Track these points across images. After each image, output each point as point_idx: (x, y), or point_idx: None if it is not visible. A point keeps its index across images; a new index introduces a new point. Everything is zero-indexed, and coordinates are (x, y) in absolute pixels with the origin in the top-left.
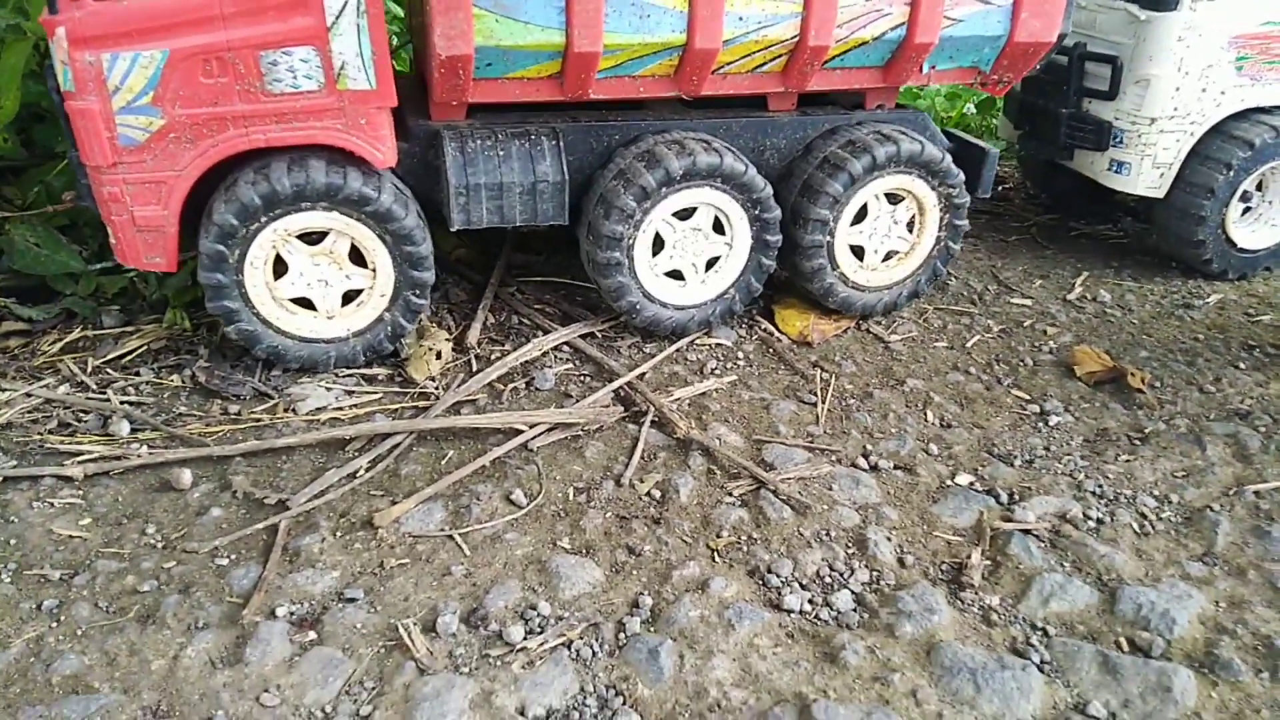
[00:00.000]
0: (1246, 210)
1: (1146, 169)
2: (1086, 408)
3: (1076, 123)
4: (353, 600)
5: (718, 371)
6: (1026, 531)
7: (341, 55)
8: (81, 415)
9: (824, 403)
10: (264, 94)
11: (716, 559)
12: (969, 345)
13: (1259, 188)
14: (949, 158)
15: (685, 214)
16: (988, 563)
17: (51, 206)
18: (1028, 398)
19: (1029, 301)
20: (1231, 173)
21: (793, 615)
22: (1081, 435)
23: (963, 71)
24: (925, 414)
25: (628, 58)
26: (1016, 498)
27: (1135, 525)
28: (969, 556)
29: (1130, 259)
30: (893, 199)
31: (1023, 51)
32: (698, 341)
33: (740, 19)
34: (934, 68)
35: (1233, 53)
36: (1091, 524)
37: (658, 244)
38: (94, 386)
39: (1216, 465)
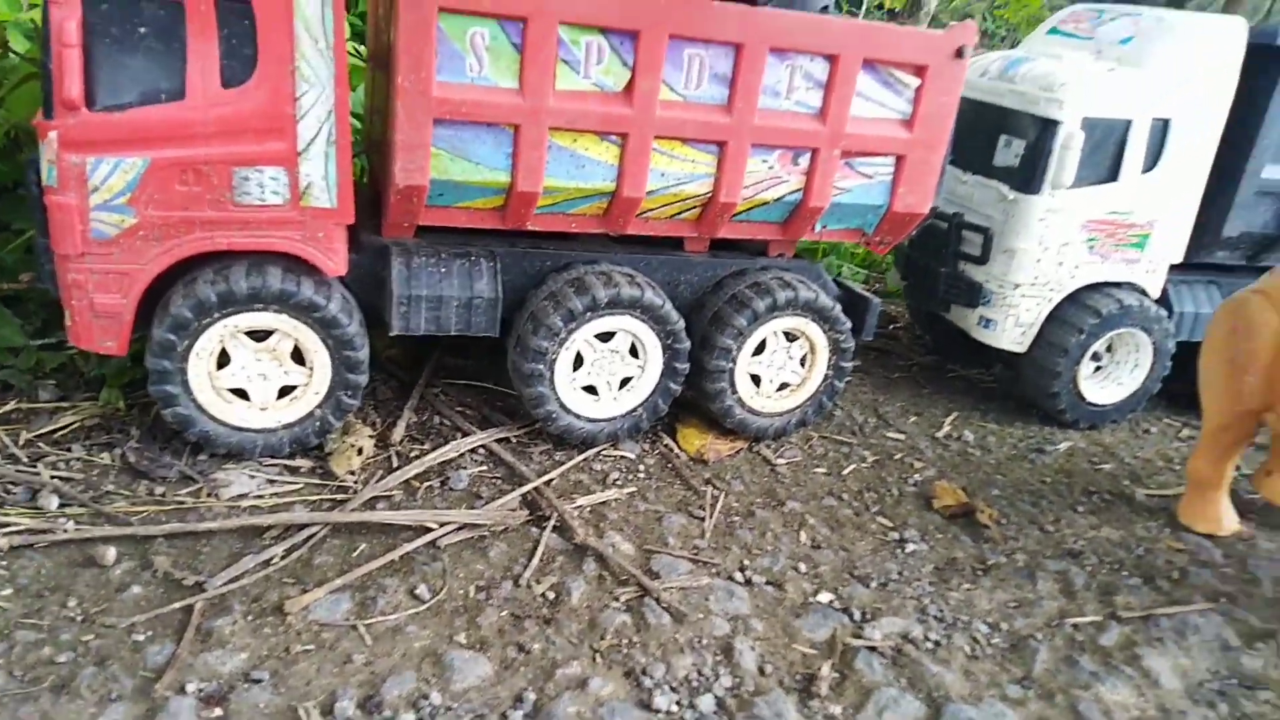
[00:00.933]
0: (1098, 369)
1: (1010, 327)
2: (940, 538)
3: (953, 281)
4: (258, 681)
5: (619, 482)
6: (872, 649)
7: (309, 176)
8: (11, 487)
9: (711, 518)
10: (232, 204)
11: (598, 659)
12: (845, 473)
13: (1109, 349)
14: (839, 306)
15: (606, 336)
16: (836, 675)
17: (6, 284)
18: (890, 525)
19: (902, 436)
20: (1082, 335)
21: (660, 715)
22: (933, 563)
23: (849, 232)
24: (799, 534)
25: (564, 198)
26: (868, 617)
27: (967, 648)
28: (820, 669)
29: (996, 403)
30: (790, 336)
31: (900, 219)
32: (605, 452)
33: (663, 174)
34: (825, 226)
35: (1085, 234)
36: (930, 645)
37: (578, 361)
38: (25, 460)
39: (1045, 598)
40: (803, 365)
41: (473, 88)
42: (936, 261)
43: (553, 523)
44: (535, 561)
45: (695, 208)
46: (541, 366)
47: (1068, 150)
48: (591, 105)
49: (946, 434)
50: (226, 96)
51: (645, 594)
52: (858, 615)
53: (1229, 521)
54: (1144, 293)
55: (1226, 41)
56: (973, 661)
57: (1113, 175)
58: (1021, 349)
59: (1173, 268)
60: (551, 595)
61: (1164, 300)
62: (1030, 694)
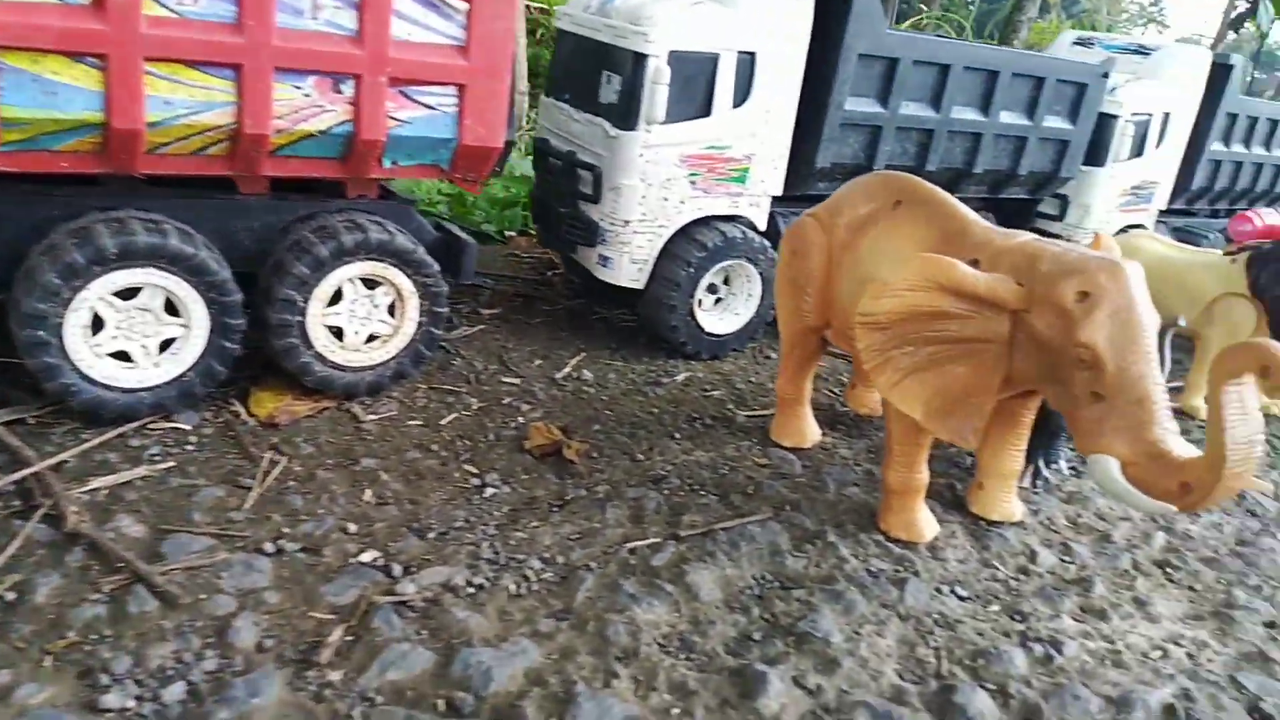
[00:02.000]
0: (719, 301)
1: (626, 264)
2: (525, 479)
3: (572, 221)
4: None
5: (158, 458)
6: (402, 603)
7: None
8: None
9: (259, 487)
10: None
11: (45, 663)
12: (442, 423)
13: (726, 282)
14: (421, 249)
15: (130, 294)
16: (350, 639)
17: None
18: (475, 472)
19: (518, 381)
20: (691, 269)
21: (109, 715)
22: (510, 506)
23: (425, 169)
24: (364, 493)
25: (37, 132)
26: (411, 570)
27: (513, 588)
28: (330, 635)
29: (631, 342)
30: (370, 284)
31: (474, 153)
32: (151, 425)
33: (167, 103)
34: (395, 162)
35: (686, 169)
36: (470, 591)
37: (99, 324)
38: None
39: (611, 527)
40: (392, 314)
41: None
42: (558, 202)
43: (43, 511)
44: (3, 558)
45: (222, 141)
46: (43, 332)
47: (657, 85)
48: (51, 20)
49: (566, 375)
50: None
51: (137, 580)
52: (398, 571)
53: (811, 434)
54: (751, 225)
55: None
56: (513, 601)
57: (706, 110)
58: (639, 285)
59: (778, 200)
60: (11, 596)
61: (775, 232)
62: (563, 625)
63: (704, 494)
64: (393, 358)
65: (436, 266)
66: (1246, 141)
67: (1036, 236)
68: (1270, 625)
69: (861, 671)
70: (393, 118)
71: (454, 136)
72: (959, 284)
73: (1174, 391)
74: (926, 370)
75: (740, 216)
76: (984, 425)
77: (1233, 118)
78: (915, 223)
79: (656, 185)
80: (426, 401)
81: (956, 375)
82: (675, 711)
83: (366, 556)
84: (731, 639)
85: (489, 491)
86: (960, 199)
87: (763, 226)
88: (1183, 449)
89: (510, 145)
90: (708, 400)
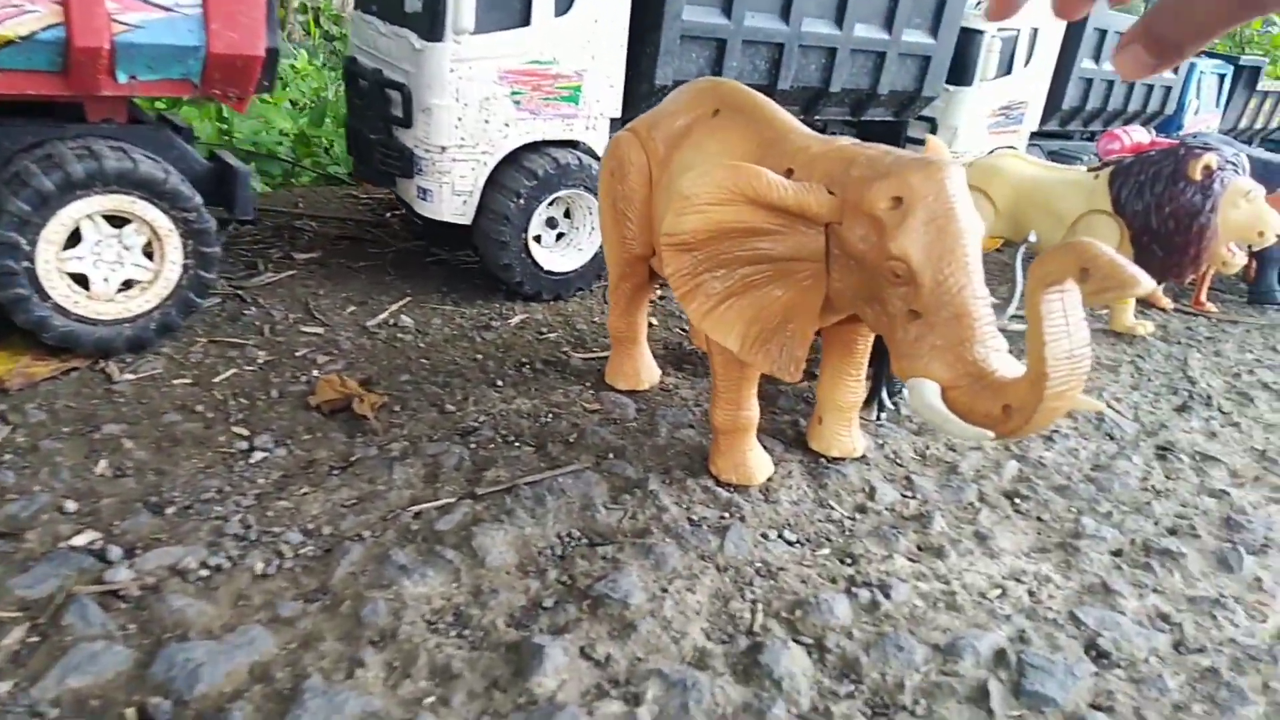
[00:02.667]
0: (561, 236)
1: (448, 196)
2: (307, 440)
3: (386, 149)
4: None
5: None
6: (112, 593)
7: None
8: None
9: None
10: None
11: None
12: (216, 381)
13: (568, 215)
14: (175, 177)
15: None
16: (35, 640)
17: None
18: (245, 434)
19: (321, 330)
20: (522, 200)
21: None
22: (281, 471)
23: (173, 84)
24: (98, 465)
25: None
26: (135, 553)
27: (260, 567)
28: (7, 637)
29: (467, 284)
30: (116, 221)
31: (229, 63)
32: None
33: None
34: (134, 77)
35: (507, 87)
36: (204, 574)
37: None
38: None
39: (397, 489)
40: (151, 257)
41: None
42: (370, 129)
43: None
44: None
45: None
46: None
47: None
48: None
49: (381, 322)
50: None
51: None
52: (116, 554)
53: (648, 375)
54: (590, 151)
55: None
56: (257, 583)
57: (524, 19)
58: (466, 220)
59: (618, 123)
60: None
61: None
62: (312, 608)
63: (518, 446)
64: (155, 308)
65: (197, 199)
66: None
67: (857, 141)
68: (1117, 554)
69: (663, 634)
70: (117, 21)
71: (201, 44)
72: (765, 195)
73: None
74: (740, 296)
75: (576, 142)
76: (805, 355)
77: (1102, 34)
78: (732, 131)
79: (474, 106)
80: (202, 357)
81: (772, 300)
82: (429, 700)
83: (81, 539)
84: (518, 609)
85: (257, 456)
86: (822, 122)
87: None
88: (1009, 368)
89: (275, 53)
90: (541, 344)
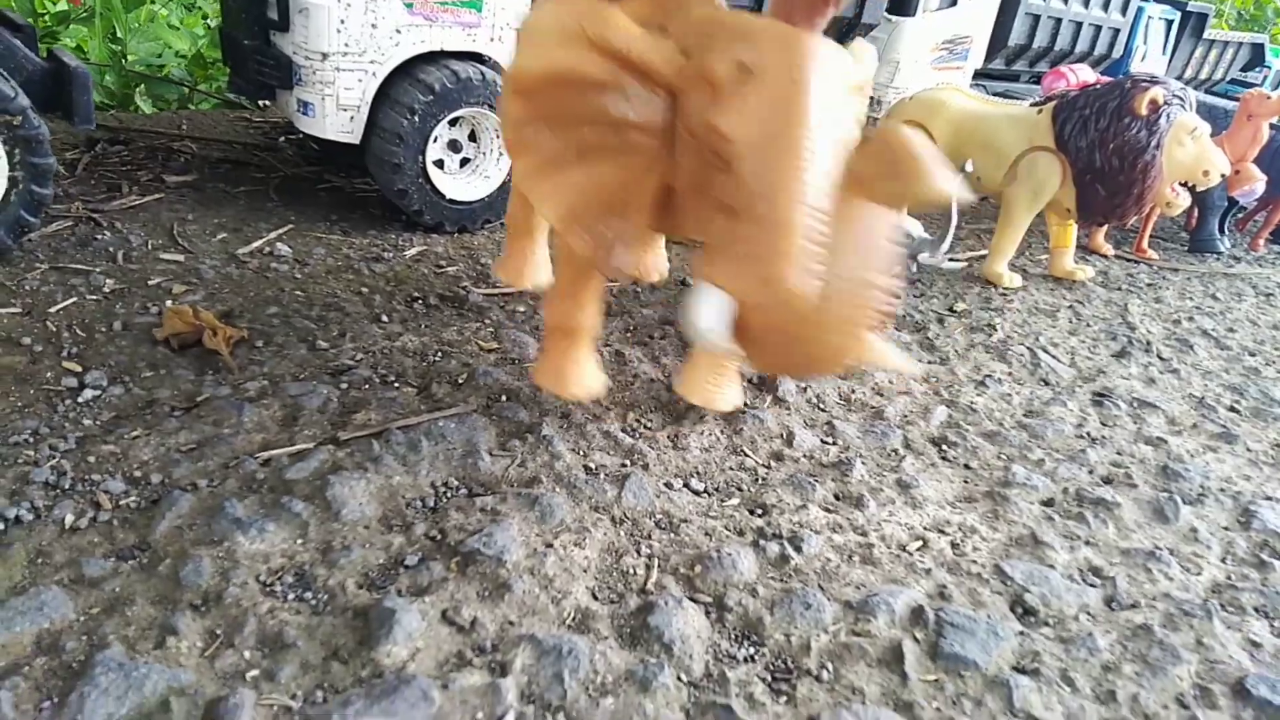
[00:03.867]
0: (466, 162)
1: (332, 111)
2: (149, 377)
3: (262, 58)
4: None
5: None
6: None
7: None
8: None
9: None
10: None
11: None
12: (51, 311)
13: (473, 139)
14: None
15: None
16: None
17: None
18: (78, 369)
19: (181, 259)
20: (416, 118)
21: None
22: (114, 412)
23: None
24: None
25: None
26: None
27: (70, 519)
28: None
29: (361, 213)
30: None
31: None
32: None
33: None
34: None
35: None
36: None
37: None
38: None
39: (246, 433)
40: None
41: None
42: (246, 35)
43: None
44: None
45: None
46: None
47: None
48: None
49: (254, 251)
50: None
51: None
52: None
53: (535, 274)
54: (496, 66)
55: None
56: (63, 538)
57: None
58: (354, 138)
59: None
60: None
61: None
62: (125, 566)
63: (397, 386)
64: None
65: (21, 99)
66: None
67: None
68: (1048, 503)
69: (541, 594)
70: None
71: None
72: (608, 41)
73: (980, 260)
74: (572, 162)
75: (480, 54)
76: (639, 253)
77: None
78: None
79: (358, 8)
80: (39, 285)
81: (605, 174)
82: (252, 674)
83: None
84: (374, 568)
85: (87, 395)
86: None
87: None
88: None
89: None
90: (439, 278)
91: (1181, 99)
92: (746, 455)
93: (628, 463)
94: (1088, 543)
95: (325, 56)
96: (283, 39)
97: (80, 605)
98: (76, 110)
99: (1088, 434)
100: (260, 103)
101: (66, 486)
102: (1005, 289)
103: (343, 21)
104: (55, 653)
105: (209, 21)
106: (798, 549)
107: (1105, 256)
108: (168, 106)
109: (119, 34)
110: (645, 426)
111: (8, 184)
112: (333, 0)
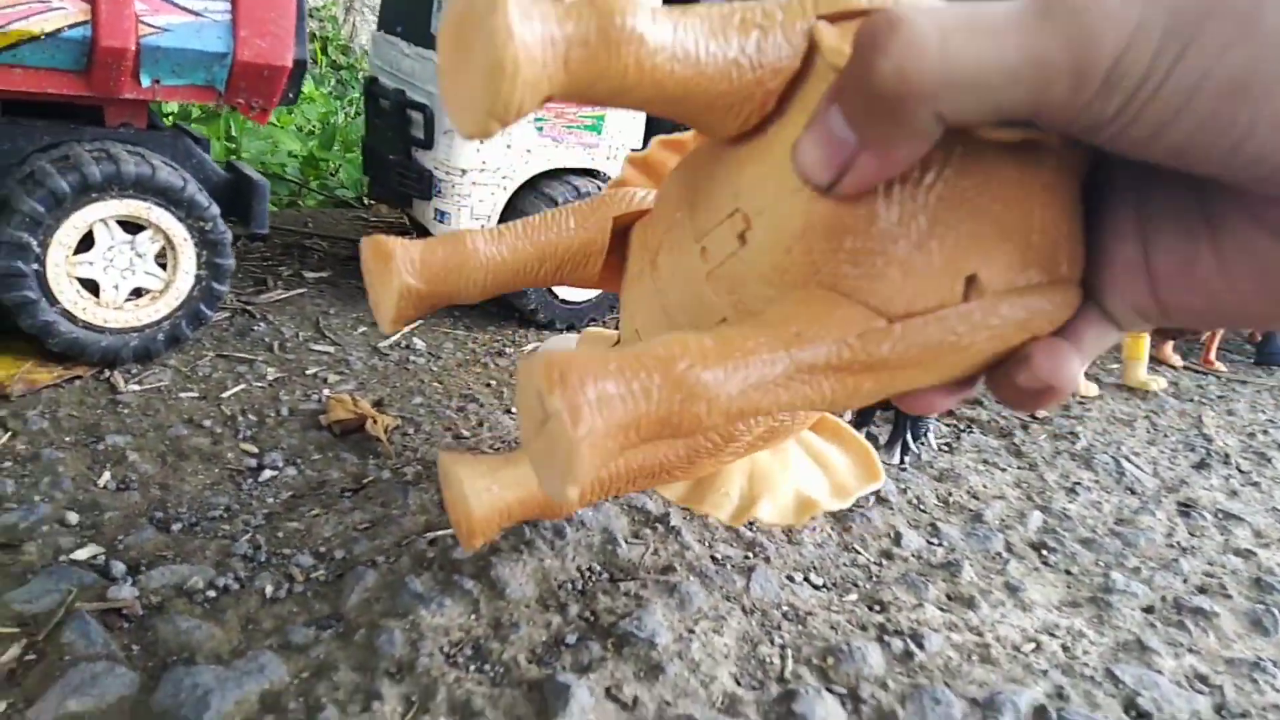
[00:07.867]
0: None
1: (466, 220)
2: (318, 460)
3: (404, 171)
4: None
5: None
6: (114, 611)
7: None
8: None
9: None
10: None
11: None
12: (225, 395)
13: None
14: (194, 185)
15: None
16: (31, 658)
17: None
18: (254, 451)
19: (332, 350)
20: None
21: None
22: (292, 491)
23: (197, 90)
24: (101, 476)
25: None
26: (140, 569)
27: (270, 590)
28: (4, 654)
29: (479, 310)
30: (131, 227)
31: (256, 72)
32: None
33: None
34: (158, 81)
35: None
36: (211, 594)
37: None
38: None
39: (411, 514)
40: (163, 266)
41: None
42: (389, 150)
43: None
44: None
45: None
46: None
47: None
48: None
49: (393, 344)
50: None
51: None
52: (119, 570)
53: None
54: (606, 179)
55: None
56: (267, 606)
57: None
58: None
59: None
60: None
61: None
62: (325, 634)
63: None
64: (165, 318)
65: (214, 208)
66: None
67: None
68: (1148, 610)
69: (691, 677)
70: (145, 23)
71: (228, 51)
72: None
73: None
74: None
75: (596, 170)
76: None
77: None
78: None
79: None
80: (211, 370)
81: None
82: None
83: (83, 553)
84: (539, 644)
85: (266, 475)
86: None
87: None
88: None
89: (302, 65)
90: None
91: None
92: (858, 553)
93: (750, 554)
94: (1191, 650)
95: (464, 172)
96: (424, 155)
97: (291, 669)
98: (253, 217)
99: (1178, 543)
100: (375, 202)
101: (263, 560)
102: (1083, 397)
103: (482, 143)
104: (280, 711)
105: (311, 124)
106: (920, 645)
107: (1174, 368)
108: (280, 202)
109: (232, 131)
110: (759, 520)
111: (194, 281)
112: None
